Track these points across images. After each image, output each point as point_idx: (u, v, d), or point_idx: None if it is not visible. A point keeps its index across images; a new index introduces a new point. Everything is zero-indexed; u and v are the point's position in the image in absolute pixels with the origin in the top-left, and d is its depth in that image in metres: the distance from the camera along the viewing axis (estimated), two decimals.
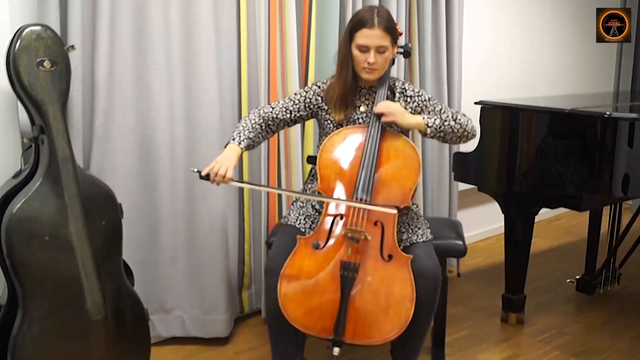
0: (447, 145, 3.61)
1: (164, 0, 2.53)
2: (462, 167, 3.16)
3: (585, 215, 3.44)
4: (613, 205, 3.39)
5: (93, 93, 2.43)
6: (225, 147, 2.25)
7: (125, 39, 2.47)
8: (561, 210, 4.81)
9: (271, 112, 2.35)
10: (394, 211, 2.10)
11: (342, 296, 2.02)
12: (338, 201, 2.19)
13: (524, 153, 2.85)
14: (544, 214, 4.81)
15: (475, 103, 3.05)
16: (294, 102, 2.38)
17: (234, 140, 2.24)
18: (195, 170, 2.15)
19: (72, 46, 2.12)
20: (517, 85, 4.39)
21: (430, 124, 2.25)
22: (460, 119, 2.30)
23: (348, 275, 2.04)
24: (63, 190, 2.02)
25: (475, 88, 3.87)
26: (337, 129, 2.35)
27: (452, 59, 3.57)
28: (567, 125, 2.72)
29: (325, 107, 2.39)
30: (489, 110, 3.00)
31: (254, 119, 2.32)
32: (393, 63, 2.45)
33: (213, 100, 2.66)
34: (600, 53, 5.10)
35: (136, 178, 2.61)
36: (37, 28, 2.02)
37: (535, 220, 2.98)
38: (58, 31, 2.26)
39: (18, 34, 2.00)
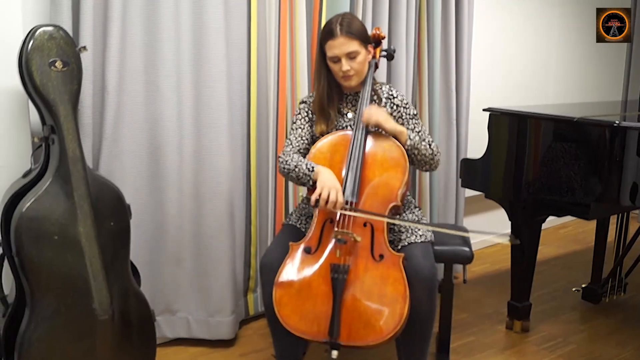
0: (454, 152, 3.61)
1: (174, 2, 2.54)
2: (469, 173, 3.16)
3: (592, 223, 3.43)
4: (620, 214, 3.38)
5: (103, 94, 2.45)
6: (311, 172, 2.21)
7: (136, 41, 2.49)
8: (568, 218, 4.78)
9: (292, 147, 2.35)
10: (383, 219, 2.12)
11: (334, 299, 2.03)
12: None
13: (531, 161, 2.85)
14: (551, 221, 4.79)
15: (484, 110, 3.06)
16: (300, 128, 2.41)
17: (316, 165, 2.22)
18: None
19: (84, 47, 2.13)
20: (525, 91, 4.39)
21: (411, 137, 2.28)
22: (433, 147, 2.33)
23: (339, 277, 2.05)
24: (72, 190, 2.03)
25: (483, 94, 3.86)
26: (317, 136, 2.39)
27: (461, 66, 3.57)
28: (575, 133, 2.71)
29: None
30: (496, 117, 3.00)
31: (295, 155, 2.31)
32: (377, 67, 2.46)
33: (222, 103, 2.67)
34: (608, 59, 5.09)
35: (144, 179, 2.62)
36: (50, 28, 2.03)
37: (542, 228, 2.97)
38: (70, 32, 2.27)
39: (31, 34, 2.01)
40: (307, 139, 2.40)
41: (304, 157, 2.35)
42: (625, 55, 5.29)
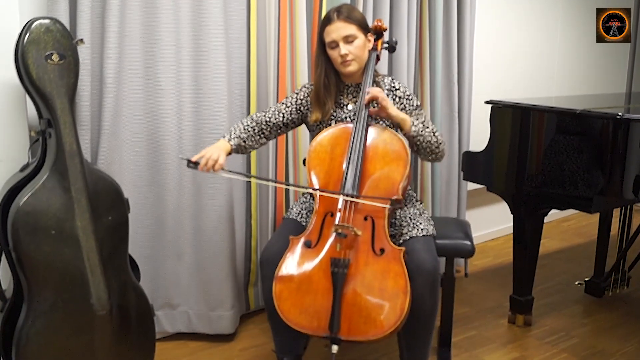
0: (456, 145, 3.60)
1: None
2: (472, 166, 3.14)
3: (595, 217, 3.41)
4: (623, 207, 3.36)
5: (101, 87, 2.43)
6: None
7: (134, 34, 2.47)
8: (571, 211, 4.79)
9: (264, 115, 2.40)
10: (386, 205, 2.09)
11: (334, 293, 2.01)
12: (325, 193, 2.18)
13: (534, 153, 2.82)
14: (554, 214, 4.79)
15: (486, 102, 3.03)
16: (286, 105, 2.42)
17: (224, 137, 2.30)
18: (183, 157, 2.18)
19: (81, 40, 2.11)
20: (528, 85, 4.37)
21: (415, 124, 2.26)
22: (437, 135, 2.31)
23: (339, 271, 2.03)
24: (70, 184, 2.02)
25: (484, 88, 3.84)
26: (318, 128, 2.37)
27: (463, 59, 3.55)
28: (578, 126, 2.69)
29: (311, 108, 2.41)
30: (499, 109, 2.98)
31: (247, 122, 2.38)
32: (379, 59, 2.44)
33: (221, 97, 2.66)
34: (612, 53, 5.06)
35: (143, 173, 2.61)
36: (46, 21, 2.01)
37: (545, 221, 2.96)
38: (67, 25, 2.25)
39: (27, 27, 1.99)
40: (282, 117, 2.40)
41: (271, 132, 2.39)
42: (628, 53, 5.26)
